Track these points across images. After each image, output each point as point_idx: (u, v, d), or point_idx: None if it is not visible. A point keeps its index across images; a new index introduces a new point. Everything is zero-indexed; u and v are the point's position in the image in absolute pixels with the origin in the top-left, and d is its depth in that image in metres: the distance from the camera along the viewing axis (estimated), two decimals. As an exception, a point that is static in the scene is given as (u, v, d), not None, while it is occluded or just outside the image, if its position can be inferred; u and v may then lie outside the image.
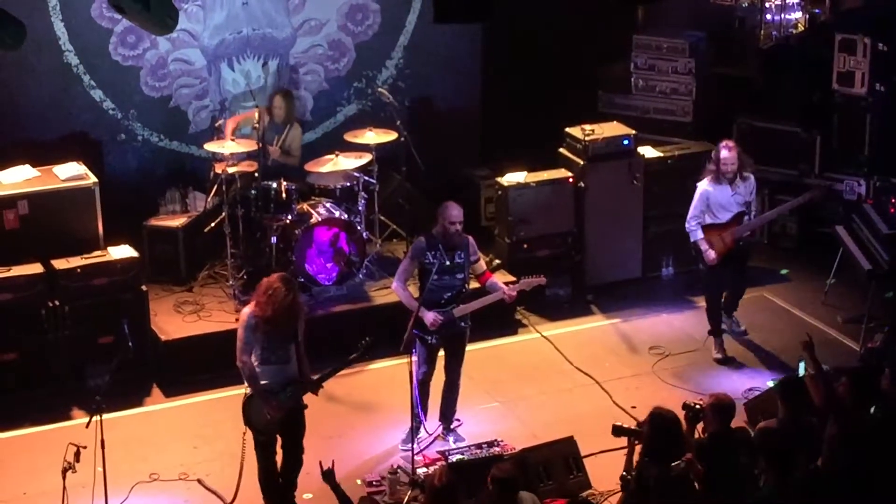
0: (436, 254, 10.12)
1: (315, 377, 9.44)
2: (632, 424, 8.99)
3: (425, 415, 10.20)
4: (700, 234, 11.59)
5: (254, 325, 9.22)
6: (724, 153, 11.46)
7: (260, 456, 9.47)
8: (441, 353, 10.41)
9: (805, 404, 9.07)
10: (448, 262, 10.12)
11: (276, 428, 9.38)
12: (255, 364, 9.26)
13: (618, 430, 8.81)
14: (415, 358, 10.16)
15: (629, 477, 8.53)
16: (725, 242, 11.56)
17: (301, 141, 12.88)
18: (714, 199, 11.55)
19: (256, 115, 12.30)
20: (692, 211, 11.63)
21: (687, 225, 11.67)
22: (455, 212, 10.13)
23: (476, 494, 8.68)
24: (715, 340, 11.87)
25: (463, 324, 10.29)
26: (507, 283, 10.54)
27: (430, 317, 10.09)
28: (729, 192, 11.53)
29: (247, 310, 9.36)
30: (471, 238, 10.31)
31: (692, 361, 11.79)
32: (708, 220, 11.60)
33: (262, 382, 9.25)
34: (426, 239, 10.21)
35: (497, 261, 12.50)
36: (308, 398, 9.43)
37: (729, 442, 8.74)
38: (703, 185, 11.59)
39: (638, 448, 8.62)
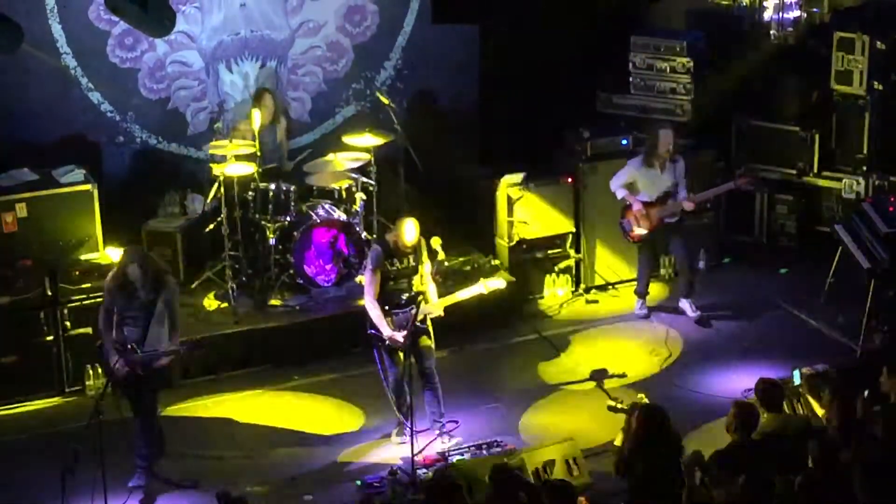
0: (394, 260, 10.24)
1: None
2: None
3: (410, 414, 10.18)
4: (623, 192, 12.25)
5: (109, 288, 9.81)
6: (662, 134, 12.14)
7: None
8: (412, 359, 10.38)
9: (782, 406, 9.04)
10: (406, 266, 10.26)
11: (122, 380, 9.63)
12: (116, 321, 9.68)
13: (613, 409, 8.84)
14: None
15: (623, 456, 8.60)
16: (651, 220, 12.24)
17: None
18: (641, 180, 12.21)
19: (257, 119, 12.31)
20: (618, 177, 12.29)
21: (612, 185, 12.32)
22: (411, 234, 10.18)
23: (476, 495, 8.67)
24: (637, 300, 12.65)
25: (422, 324, 10.31)
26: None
27: (390, 334, 10.15)
28: (658, 174, 12.21)
29: (110, 274, 9.93)
30: (422, 239, 10.39)
31: (691, 361, 11.77)
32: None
33: (117, 336, 9.64)
34: (382, 247, 10.31)
35: (496, 261, 12.52)
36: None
37: (749, 452, 8.63)
38: (633, 164, 12.30)
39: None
